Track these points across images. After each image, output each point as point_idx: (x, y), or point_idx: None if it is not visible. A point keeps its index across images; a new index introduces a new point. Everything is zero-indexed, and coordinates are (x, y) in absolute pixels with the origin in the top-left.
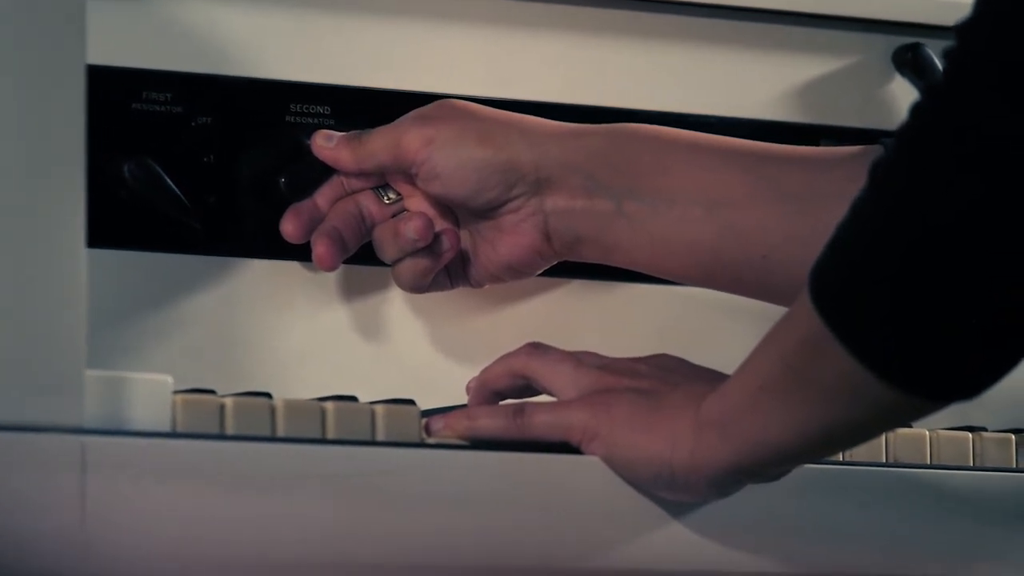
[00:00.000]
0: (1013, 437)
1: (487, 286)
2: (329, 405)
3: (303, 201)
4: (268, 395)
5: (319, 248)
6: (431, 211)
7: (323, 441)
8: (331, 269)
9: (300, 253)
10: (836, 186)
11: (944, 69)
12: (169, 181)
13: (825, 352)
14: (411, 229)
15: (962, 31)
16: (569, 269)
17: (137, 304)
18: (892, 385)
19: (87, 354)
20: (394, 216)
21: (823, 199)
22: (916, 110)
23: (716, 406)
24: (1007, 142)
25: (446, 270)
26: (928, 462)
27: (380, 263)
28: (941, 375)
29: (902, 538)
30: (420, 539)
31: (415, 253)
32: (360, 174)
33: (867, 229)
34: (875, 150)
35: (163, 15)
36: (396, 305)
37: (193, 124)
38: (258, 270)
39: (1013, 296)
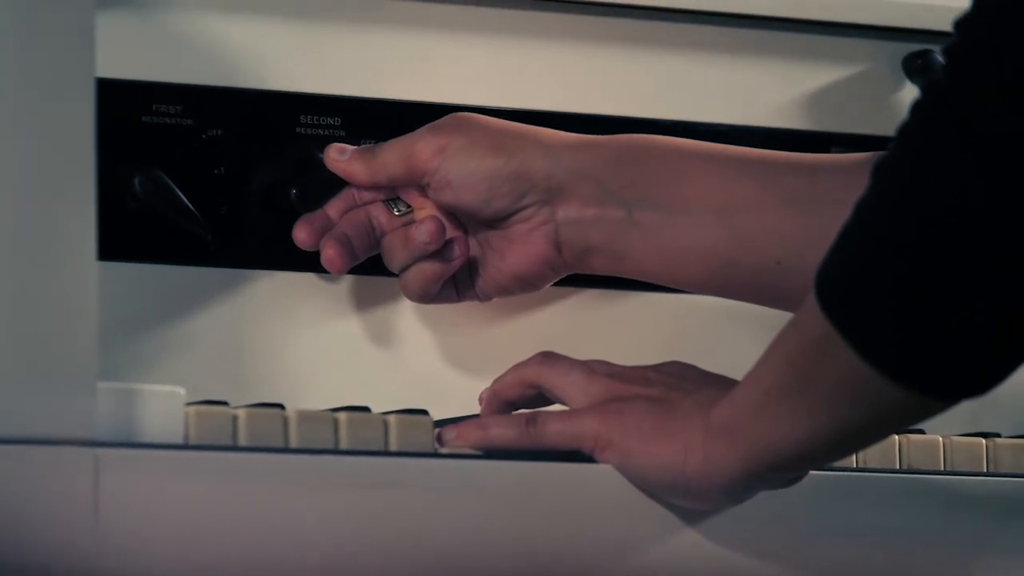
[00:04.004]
0: None
1: (495, 299)
2: (342, 415)
3: (315, 212)
4: (281, 406)
5: (328, 251)
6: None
7: (336, 452)
8: (339, 273)
9: (311, 264)
10: (848, 191)
11: (944, 65)
12: (180, 193)
13: (831, 353)
14: (423, 232)
15: (962, 26)
16: (580, 278)
17: (149, 316)
18: (899, 385)
19: (99, 366)
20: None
21: (835, 204)
22: (916, 107)
23: (725, 412)
24: (1007, 137)
25: (453, 281)
26: (941, 468)
27: (392, 274)
28: (948, 373)
29: (915, 544)
30: (432, 549)
31: (424, 259)
32: (373, 187)
33: (870, 227)
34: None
35: (173, 28)
36: (407, 316)
37: (204, 136)
38: (269, 282)
39: (1017, 291)
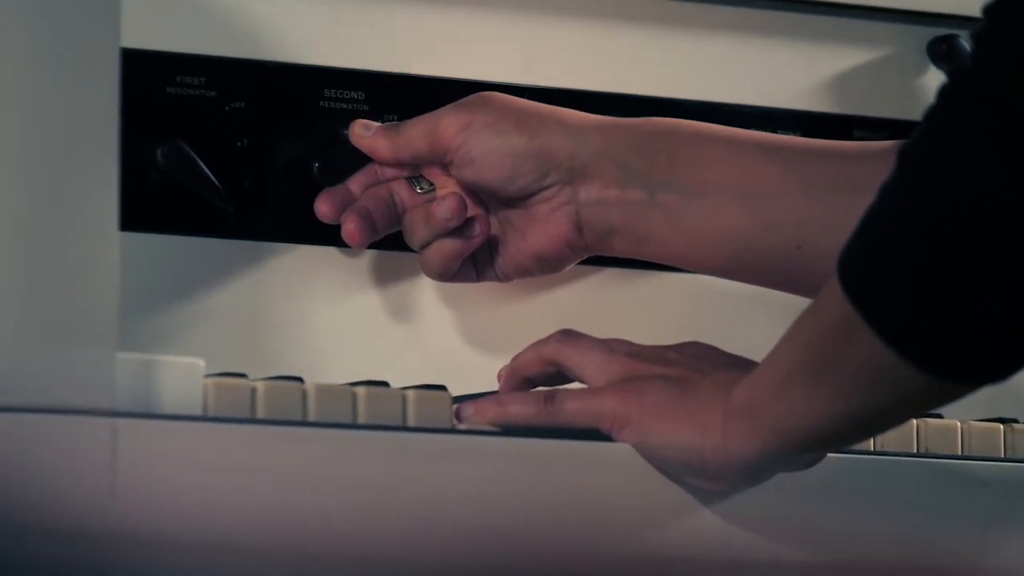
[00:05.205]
0: None
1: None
2: (360, 390)
3: (337, 186)
4: (299, 379)
5: (349, 224)
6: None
7: (354, 426)
8: (360, 247)
9: (332, 238)
10: (871, 177)
11: (971, 50)
12: (203, 165)
13: (853, 337)
14: (444, 208)
15: (990, 11)
16: (599, 258)
17: (169, 288)
18: (920, 369)
19: (119, 337)
20: None
21: (858, 190)
22: (943, 92)
23: (745, 393)
24: None
25: (473, 261)
26: (959, 453)
27: (413, 251)
28: (970, 359)
29: (932, 528)
30: (448, 525)
31: (445, 236)
32: (396, 163)
33: (895, 212)
34: None
35: None
36: (427, 292)
37: (227, 108)
38: (290, 255)
39: None
